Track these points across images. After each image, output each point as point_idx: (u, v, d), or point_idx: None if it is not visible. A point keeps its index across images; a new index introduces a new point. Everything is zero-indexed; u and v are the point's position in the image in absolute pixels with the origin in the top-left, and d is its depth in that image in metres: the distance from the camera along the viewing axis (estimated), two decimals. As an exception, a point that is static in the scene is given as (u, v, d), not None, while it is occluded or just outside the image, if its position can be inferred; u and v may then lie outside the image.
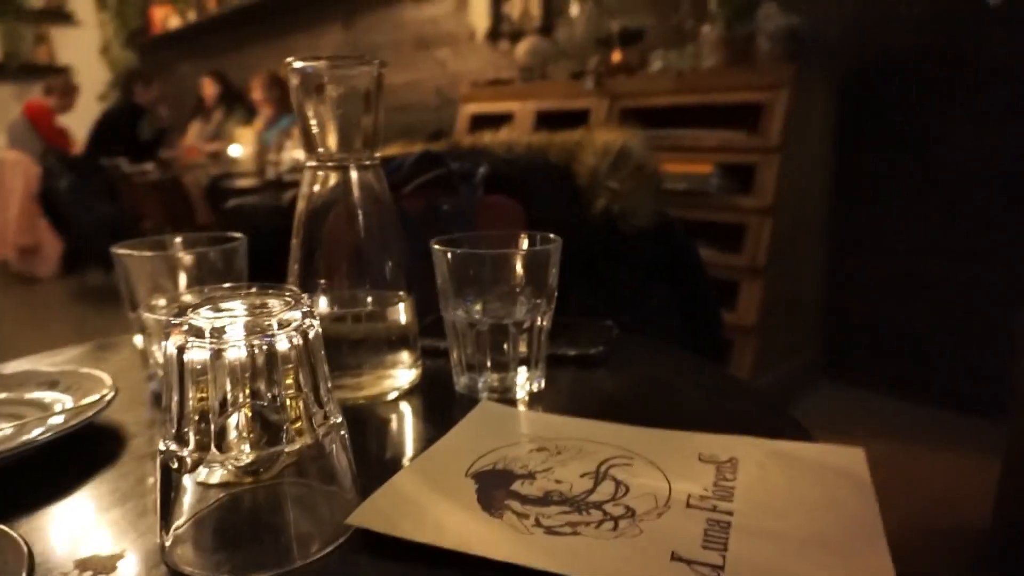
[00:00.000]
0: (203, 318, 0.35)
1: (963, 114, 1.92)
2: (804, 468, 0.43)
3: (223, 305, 0.38)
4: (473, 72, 3.32)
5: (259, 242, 0.74)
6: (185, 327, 0.35)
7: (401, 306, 0.58)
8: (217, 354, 0.35)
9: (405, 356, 0.59)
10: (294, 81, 0.53)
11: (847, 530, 0.37)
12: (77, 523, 0.41)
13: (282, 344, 0.36)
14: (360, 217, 0.57)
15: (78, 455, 0.49)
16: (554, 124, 1.41)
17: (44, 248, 4.30)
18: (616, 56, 2.42)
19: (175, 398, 0.35)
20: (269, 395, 0.36)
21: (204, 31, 5.27)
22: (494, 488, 0.41)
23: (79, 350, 0.75)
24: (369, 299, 0.58)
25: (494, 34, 3.22)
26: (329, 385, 0.39)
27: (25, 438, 0.47)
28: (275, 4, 4.35)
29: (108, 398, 0.53)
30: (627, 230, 1.09)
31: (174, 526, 0.36)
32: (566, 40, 2.69)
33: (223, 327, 0.35)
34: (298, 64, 0.53)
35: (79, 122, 4.66)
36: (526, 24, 3.03)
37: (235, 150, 3.91)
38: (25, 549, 0.34)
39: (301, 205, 0.57)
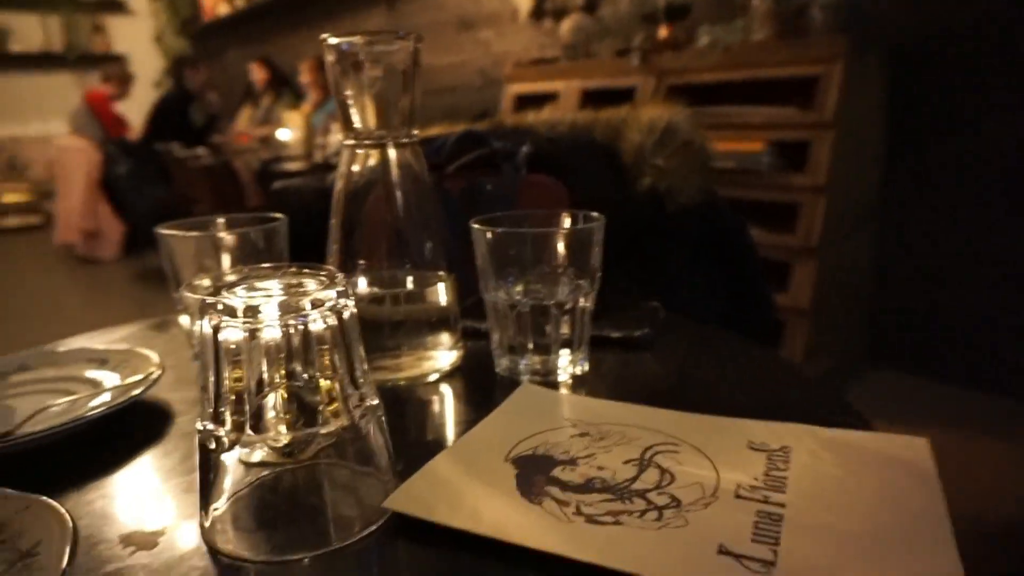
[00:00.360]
0: (237, 298, 0.35)
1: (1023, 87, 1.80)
2: (862, 458, 0.40)
3: (259, 284, 0.37)
4: (517, 52, 3.28)
5: (305, 224, 0.74)
6: (220, 307, 0.34)
7: (441, 286, 0.58)
8: (252, 334, 0.34)
9: (445, 337, 0.58)
10: (330, 58, 0.52)
11: (910, 526, 0.34)
12: (123, 499, 0.42)
13: (316, 324, 0.35)
14: (399, 196, 0.56)
15: (125, 432, 0.50)
16: (600, 102, 1.38)
17: (106, 231, 4.46)
18: (662, 32, 2.35)
19: (211, 378, 0.35)
20: (305, 376, 0.36)
21: (252, 17, 5.35)
22: (534, 474, 0.40)
23: (133, 328, 0.77)
24: (409, 279, 0.58)
25: (537, 12, 3.17)
26: (365, 367, 0.38)
27: (74, 415, 0.48)
28: (321, -12, 4.38)
29: (154, 376, 0.53)
30: (673, 208, 1.06)
31: (213, 506, 0.36)
32: (611, 17, 2.63)
33: (257, 307, 0.34)
34: (334, 40, 0.52)
35: (137, 109, 4.80)
36: (570, 1, 2.97)
37: (284, 134, 3.97)
38: (70, 523, 0.34)
39: (339, 185, 0.56)
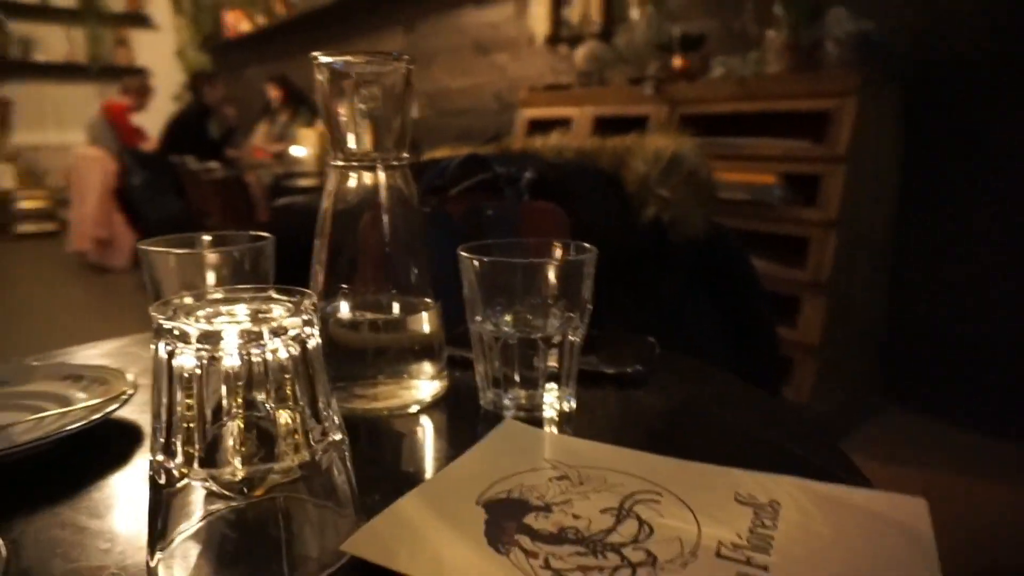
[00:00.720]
0: (195, 323, 0.33)
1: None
2: (855, 518, 0.38)
3: (224, 309, 0.36)
4: (532, 77, 3.29)
5: (311, 241, 0.72)
6: (175, 332, 0.33)
7: (425, 314, 0.56)
8: (207, 362, 0.33)
9: (428, 367, 0.56)
10: (320, 77, 0.51)
11: (904, 596, 0.32)
12: (73, 529, 0.40)
13: (278, 353, 0.34)
14: (386, 219, 0.55)
15: (90, 454, 0.48)
16: (613, 130, 1.37)
17: (118, 241, 4.50)
18: (677, 62, 2.35)
19: (164, 406, 0.33)
20: (265, 407, 0.34)
21: (273, 35, 5.44)
22: (505, 520, 0.38)
23: (119, 343, 0.76)
24: (394, 306, 0.56)
25: (553, 39, 3.19)
26: (331, 400, 0.36)
27: (38, 434, 0.47)
28: (340, 10, 4.45)
29: (124, 397, 0.52)
30: (677, 240, 1.04)
31: (160, 544, 0.34)
32: (626, 45, 2.64)
33: (213, 333, 0.33)
34: (325, 59, 0.51)
35: (157, 121, 4.86)
36: (586, 29, 2.99)
37: (297, 151, 3.99)
38: (3, 557, 0.32)
39: (325, 205, 0.55)
